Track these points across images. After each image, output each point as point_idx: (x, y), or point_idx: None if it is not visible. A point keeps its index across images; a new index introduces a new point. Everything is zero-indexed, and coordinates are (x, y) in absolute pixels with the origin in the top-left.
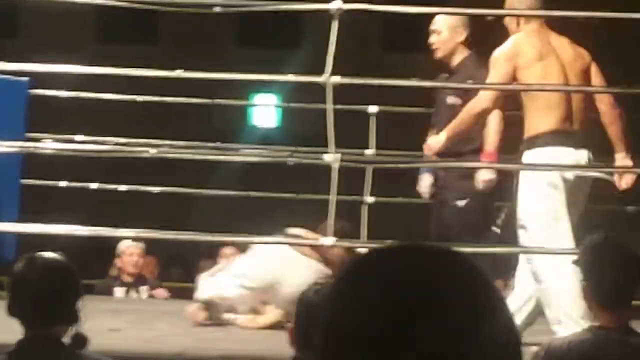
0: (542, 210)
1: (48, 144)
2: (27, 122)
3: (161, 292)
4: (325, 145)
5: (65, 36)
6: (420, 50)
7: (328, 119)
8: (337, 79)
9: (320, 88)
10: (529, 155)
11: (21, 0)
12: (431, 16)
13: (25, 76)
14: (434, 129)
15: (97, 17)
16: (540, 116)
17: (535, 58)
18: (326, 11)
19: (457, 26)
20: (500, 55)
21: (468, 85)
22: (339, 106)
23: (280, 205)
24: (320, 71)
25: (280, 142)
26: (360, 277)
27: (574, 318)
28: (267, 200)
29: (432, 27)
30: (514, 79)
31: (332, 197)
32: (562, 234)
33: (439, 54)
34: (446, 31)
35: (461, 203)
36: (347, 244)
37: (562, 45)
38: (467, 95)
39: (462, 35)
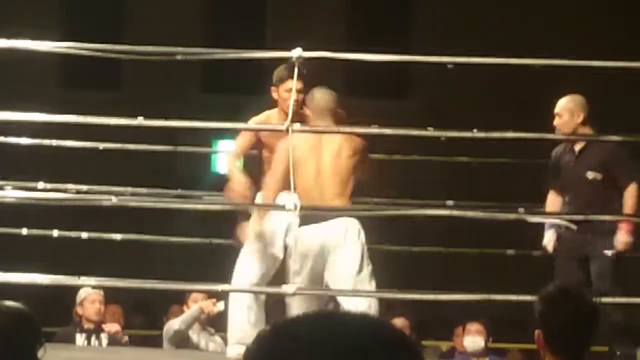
0: None
1: (9, 192)
2: None
3: (111, 327)
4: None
5: (28, 82)
6: (381, 96)
7: (290, 165)
8: (297, 126)
9: None
10: None
11: None
12: (393, 63)
13: None
14: (557, 195)
15: (60, 63)
16: None
17: None
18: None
19: (576, 109)
20: None
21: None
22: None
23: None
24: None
25: None
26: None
27: None
28: (231, 248)
29: (555, 110)
30: None
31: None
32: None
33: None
34: (566, 115)
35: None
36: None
37: None
38: (607, 171)
39: (580, 117)
